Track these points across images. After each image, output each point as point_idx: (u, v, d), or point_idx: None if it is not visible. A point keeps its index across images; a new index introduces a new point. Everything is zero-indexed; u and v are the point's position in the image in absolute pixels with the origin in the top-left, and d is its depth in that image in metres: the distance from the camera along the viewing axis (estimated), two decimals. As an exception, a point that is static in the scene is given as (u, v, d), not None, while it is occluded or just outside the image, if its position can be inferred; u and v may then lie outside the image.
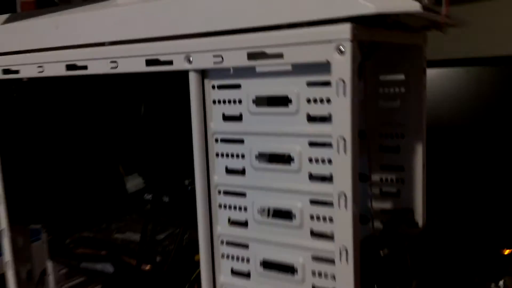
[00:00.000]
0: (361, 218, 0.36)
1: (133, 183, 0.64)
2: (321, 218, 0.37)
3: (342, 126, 0.34)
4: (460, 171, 0.92)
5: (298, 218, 0.38)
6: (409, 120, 0.48)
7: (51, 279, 0.66)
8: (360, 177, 0.51)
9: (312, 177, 0.37)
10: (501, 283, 0.73)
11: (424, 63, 0.47)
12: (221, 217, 0.43)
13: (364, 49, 0.38)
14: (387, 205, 0.51)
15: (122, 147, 0.62)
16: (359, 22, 0.33)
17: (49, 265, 0.65)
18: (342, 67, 0.33)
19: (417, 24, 0.42)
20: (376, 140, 0.51)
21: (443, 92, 0.94)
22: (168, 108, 0.53)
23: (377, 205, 0.51)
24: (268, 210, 0.40)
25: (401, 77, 0.48)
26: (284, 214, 0.39)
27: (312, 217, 0.38)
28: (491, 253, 0.90)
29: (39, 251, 0.66)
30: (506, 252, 0.92)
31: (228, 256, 0.43)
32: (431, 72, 0.48)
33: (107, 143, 0.62)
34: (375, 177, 0.51)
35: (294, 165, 0.38)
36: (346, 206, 0.35)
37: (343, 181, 0.35)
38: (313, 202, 0.37)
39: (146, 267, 0.55)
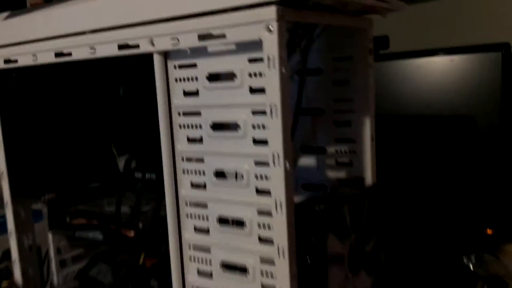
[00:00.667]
0: (318, 186, 0.41)
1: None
2: (263, 177, 0.43)
3: (273, 95, 0.40)
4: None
5: (245, 178, 0.44)
6: (358, 96, 0.54)
7: (51, 249, 0.73)
8: (319, 150, 0.57)
9: (255, 141, 0.43)
10: (473, 257, 0.78)
11: (370, 44, 0.52)
12: (185, 181, 0.49)
13: (299, 29, 0.44)
14: (342, 174, 0.56)
15: (115, 130, 0.69)
16: (287, 5, 0.39)
17: (49, 236, 0.72)
18: (271, 44, 0.39)
19: (352, 8, 0.47)
20: (331, 116, 0.56)
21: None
22: (147, 90, 0.59)
23: (333, 174, 0.57)
24: (222, 173, 0.46)
25: (350, 57, 0.53)
26: (234, 176, 0.45)
27: (256, 177, 0.44)
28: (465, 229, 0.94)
29: (41, 231, 0.74)
30: (489, 231, 0.96)
31: (191, 216, 0.49)
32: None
33: (101, 127, 0.68)
34: (331, 150, 0.57)
35: (240, 132, 0.44)
36: (279, 164, 0.41)
37: (276, 142, 0.40)
38: (257, 163, 0.43)
39: (131, 233, 0.61)
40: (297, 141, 0.59)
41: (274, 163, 0.41)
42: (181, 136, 0.48)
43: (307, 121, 0.58)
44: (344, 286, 0.47)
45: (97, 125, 0.68)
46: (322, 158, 0.57)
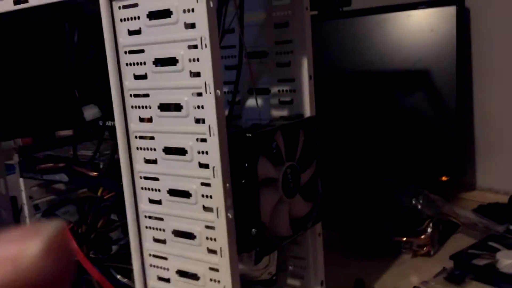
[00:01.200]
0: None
1: (90, 112, 0.75)
2: (200, 107, 0.47)
3: (202, 28, 0.44)
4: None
5: (185, 108, 0.49)
6: (296, 38, 0.58)
7: (23, 195, 0.77)
8: (263, 91, 0.61)
9: (192, 74, 0.47)
10: (421, 197, 0.83)
11: (307, -12, 0.56)
12: (133, 116, 0.53)
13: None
14: (284, 112, 0.61)
15: (78, 79, 0.73)
16: None
17: (21, 182, 0.76)
18: (199, -20, 0.43)
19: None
20: (273, 57, 0.60)
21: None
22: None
23: (277, 113, 0.61)
24: (167, 106, 0.50)
25: (287, 1, 0.57)
26: (175, 107, 0.50)
27: (194, 107, 0.48)
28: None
29: (14, 182, 0.78)
30: (444, 178, 1.01)
31: (140, 148, 0.53)
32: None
33: (65, 77, 0.72)
34: (274, 90, 0.61)
35: (179, 66, 0.48)
36: (210, 92, 0.45)
37: (207, 73, 0.45)
38: (193, 94, 0.48)
39: (93, 173, 0.66)
40: (244, 85, 0.64)
41: (206, 91, 0.45)
42: (128, 73, 0.52)
43: (253, 65, 0.62)
44: (278, 207, 0.52)
45: (60, 75, 0.72)
46: (267, 99, 0.62)
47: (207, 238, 0.49)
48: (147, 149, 0.53)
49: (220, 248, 0.48)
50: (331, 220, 0.84)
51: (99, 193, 0.60)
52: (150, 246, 0.54)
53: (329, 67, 1.09)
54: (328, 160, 0.98)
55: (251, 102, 0.64)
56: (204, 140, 0.47)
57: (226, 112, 0.65)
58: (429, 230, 0.82)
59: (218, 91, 0.45)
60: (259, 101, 0.62)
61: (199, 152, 0.48)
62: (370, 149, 1.07)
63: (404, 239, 0.83)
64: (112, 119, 0.72)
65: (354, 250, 0.86)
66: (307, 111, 0.59)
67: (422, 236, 0.82)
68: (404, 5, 1.01)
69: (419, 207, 0.84)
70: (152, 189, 0.53)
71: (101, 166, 0.65)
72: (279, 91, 0.61)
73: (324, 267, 0.63)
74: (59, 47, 0.70)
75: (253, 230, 0.48)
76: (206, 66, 0.45)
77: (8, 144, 0.77)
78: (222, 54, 0.65)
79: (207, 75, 0.45)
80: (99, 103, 0.74)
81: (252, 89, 0.63)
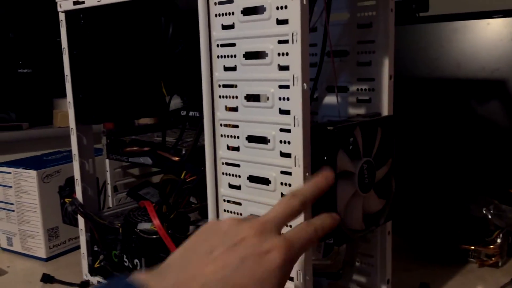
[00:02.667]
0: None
1: (174, 102, 0.80)
2: (285, 98, 0.50)
3: (294, 24, 0.47)
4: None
5: (270, 99, 0.51)
6: (379, 38, 0.59)
7: (108, 174, 0.83)
8: (342, 89, 0.64)
9: (280, 67, 0.50)
10: (491, 207, 0.82)
11: (391, -10, 0.58)
12: (220, 105, 0.57)
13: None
14: (361, 110, 0.62)
15: (165, 71, 0.78)
16: None
17: (107, 163, 0.82)
18: (295, -21, 0.46)
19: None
20: (354, 57, 0.62)
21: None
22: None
23: (354, 111, 0.63)
24: (255, 96, 0.54)
25: (372, 2, 0.59)
26: (259, 98, 0.53)
27: (280, 99, 0.51)
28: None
29: (101, 165, 0.85)
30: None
31: (224, 135, 0.57)
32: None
33: (153, 67, 0.78)
34: (353, 88, 0.63)
35: (268, 59, 0.51)
36: (297, 84, 0.48)
37: (295, 66, 0.47)
38: (280, 86, 0.50)
39: (175, 158, 0.70)
40: (323, 82, 0.66)
41: (293, 84, 0.48)
42: (218, 65, 0.56)
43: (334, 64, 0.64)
44: (353, 201, 0.53)
45: (150, 66, 0.77)
46: (345, 96, 0.64)
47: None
48: (231, 136, 0.56)
49: (296, 234, 0.50)
50: (400, 225, 0.84)
51: (182, 176, 0.64)
52: (227, 228, 0.57)
53: (403, 73, 1.09)
54: (403, 162, 0.98)
55: (328, 99, 0.66)
56: (287, 131, 0.50)
57: (304, 108, 0.68)
58: (499, 240, 0.80)
59: (305, 84, 0.48)
60: (338, 98, 0.64)
61: (281, 142, 0.51)
62: (442, 157, 1.05)
63: (472, 247, 0.82)
64: (193, 109, 0.77)
65: (420, 256, 0.86)
66: (385, 111, 0.60)
67: (491, 246, 0.80)
68: (483, 12, 1.00)
69: (489, 217, 0.83)
70: (233, 175, 0.57)
71: (183, 152, 0.69)
72: (358, 89, 0.62)
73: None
74: (152, 39, 0.75)
75: (328, 220, 0.50)
76: (295, 60, 0.47)
77: (96, 128, 0.84)
78: (304, 52, 0.67)
79: (296, 68, 0.48)
80: (182, 95, 0.78)
81: (330, 87, 0.65)
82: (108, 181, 0.84)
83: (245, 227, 0.39)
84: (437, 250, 0.84)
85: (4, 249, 0.94)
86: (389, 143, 0.58)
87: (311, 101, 0.66)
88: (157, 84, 0.79)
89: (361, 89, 0.62)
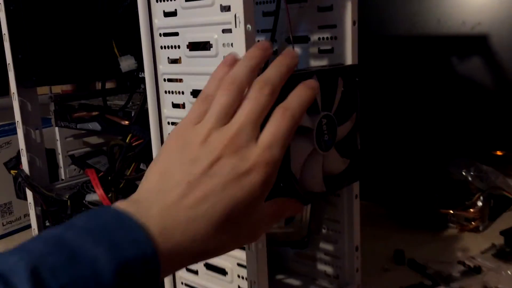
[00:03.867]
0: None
1: (126, 63, 0.73)
2: (229, 45, 0.44)
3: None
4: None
5: (214, 47, 0.45)
6: (340, -21, 0.53)
7: (58, 145, 0.77)
8: (302, 39, 0.57)
9: (222, 7, 0.44)
10: (472, 169, 0.77)
11: None
12: (162, 56, 0.50)
13: None
14: (323, 62, 0.56)
15: (117, 31, 0.71)
16: None
17: (56, 132, 0.76)
18: None
19: None
20: (314, 1, 0.56)
21: None
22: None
23: (316, 63, 0.57)
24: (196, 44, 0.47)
25: None
26: (203, 46, 0.46)
27: (223, 45, 0.44)
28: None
29: (51, 135, 0.78)
30: (499, 153, 0.94)
31: (168, 92, 0.51)
32: None
33: (102, 25, 0.70)
34: (314, 37, 0.57)
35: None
36: (240, 26, 0.41)
37: (237, 5, 0.41)
38: (224, 30, 0.44)
39: (125, 122, 0.64)
40: (282, 33, 0.60)
41: (236, 26, 0.42)
42: (158, 11, 0.49)
43: (292, 11, 0.58)
44: (311, 160, 0.48)
45: (97, 22, 0.70)
46: (305, 47, 0.57)
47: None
48: (175, 92, 0.50)
49: (246, 198, 0.45)
50: (371, 189, 0.79)
51: (127, 140, 0.58)
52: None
53: (381, 31, 1.02)
54: (377, 120, 0.92)
55: (289, 52, 0.60)
56: (232, 82, 0.44)
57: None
58: (479, 203, 0.76)
59: (248, 25, 0.41)
60: (297, 50, 0.58)
61: (227, 95, 0.45)
62: (420, 116, 1.00)
63: (451, 212, 0.77)
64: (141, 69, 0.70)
65: (396, 222, 0.81)
66: (349, 61, 0.54)
67: (471, 210, 0.76)
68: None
69: (470, 179, 0.78)
70: (179, 136, 0.51)
71: (133, 114, 0.63)
72: (319, 38, 0.56)
73: (361, 237, 0.59)
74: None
75: (281, 183, 0.44)
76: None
77: (45, 97, 0.77)
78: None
79: (237, 7, 0.41)
80: (136, 54, 0.72)
81: (290, 38, 0.59)
82: (59, 151, 0.78)
83: (219, 141, 0.35)
84: (414, 215, 0.79)
85: (-45, 228, 0.88)
86: (352, 96, 0.52)
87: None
88: (108, 43, 0.72)
89: (323, 38, 0.56)
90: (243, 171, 0.35)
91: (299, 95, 0.39)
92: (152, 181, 0.36)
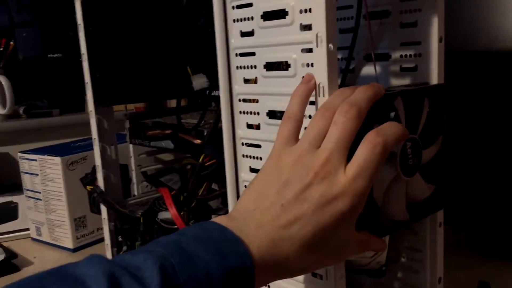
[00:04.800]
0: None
1: (198, 81, 0.73)
2: (309, 65, 0.42)
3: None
4: None
5: (292, 67, 0.44)
6: (426, -7, 0.50)
7: (132, 161, 0.78)
8: (382, 57, 0.55)
9: (302, 26, 0.42)
10: None
11: None
12: (238, 76, 0.49)
13: None
14: (406, 81, 0.53)
15: (190, 50, 0.71)
16: None
17: (130, 149, 0.77)
18: None
19: None
20: (397, 17, 0.53)
21: None
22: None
23: (397, 82, 0.54)
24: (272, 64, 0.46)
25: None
26: (284, 66, 0.45)
27: (303, 65, 0.43)
28: None
29: (124, 151, 0.79)
30: None
31: (243, 112, 0.49)
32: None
33: (176, 44, 0.71)
34: (396, 55, 0.54)
35: (288, 19, 0.43)
36: (321, 45, 0.39)
37: (319, 24, 0.39)
38: (303, 50, 0.42)
39: (197, 141, 0.64)
40: (361, 51, 0.57)
41: (317, 46, 0.40)
42: (234, 29, 0.49)
43: (372, 27, 0.55)
44: (394, 186, 0.45)
45: (171, 41, 0.71)
46: (386, 65, 0.55)
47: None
48: (250, 113, 0.49)
49: (324, 225, 0.42)
50: (454, 214, 0.74)
51: (200, 160, 0.57)
52: (248, 219, 0.50)
53: (465, 44, 0.97)
54: (463, 143, 0.87)
55: (367, 70, 0.57)
56: (312, 103, 0.42)
57: (339, 81, 0.59)
58: None
59: (331, 45, 0.39)
60: (377, 68, 0.55)
61: (307, 117, 0.43)
62: (508, 137, 0.93)
63: (542, 242, 0.70)
64: (215, 88, 0.70)
65: (482, 251, 0.75)
66: (434, 80, 0.51)
67: None
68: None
69: None
70: (254, 157, 0.49)
71: (205, 133, 0.62)
72: (401, 56, 0.53)
73: (444, 266, 0.55)
74: (171, 12, 0.69)
75: (363, 210, 0.42)
76: (318, 16, 0.39)
77: (120, 114, 0.78)
78: (338, 16, 0.59)
79: (319, 26, 0.39)
80: (208, 72, 0.72)
81: (369, 55, 0.56)
82: (132, 167, 0.79)
83: (309, 167, 0.37)
84: (502, 244, 0.73)
85: (34, 239, 0.91)
86: (439, 117, 0.48)
87: (347, 73, 0.58)
88: (181, 62, 0.72)
89: (406, 55, 0.53)
90: (331, 198, 0.36)
91: (394, 125, 0.40)
92: (249, 200, 0.39)
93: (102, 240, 0.88)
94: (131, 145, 0.77)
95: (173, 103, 0.94)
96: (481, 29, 0.95)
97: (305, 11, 0.41)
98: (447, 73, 0.53)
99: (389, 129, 0.39)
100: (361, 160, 0.37)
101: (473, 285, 0.65)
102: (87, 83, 0.70)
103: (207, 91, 0.72)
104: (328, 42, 0.39)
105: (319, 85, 0.40)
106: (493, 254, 0.73)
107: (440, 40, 0.50)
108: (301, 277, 0.45)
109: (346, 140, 0.37)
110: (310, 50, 0.41)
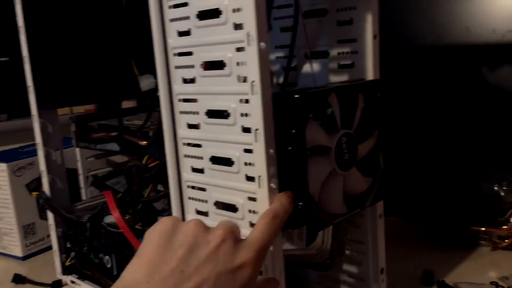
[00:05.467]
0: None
1: (146, 82, 0.72)
2: (242, 63, 0.42)
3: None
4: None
5: (228, 67, 0.44)
6: (359, -9, 0.51)
7: (79, 165, 0.77)
8: (321, 54, 0.56)
9: (235, 25, 0.42)
10: (504, 183, 0.73)
11: None
12: (177, 76, 0.49)
13: None
14: (344, 77, 0.54)
15: (135, 50, 0.70)
16: None
17: (77, 152, 0.76)
18: None
19: None
20: (334, 15, 0.54)
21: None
22: None
23: (336, 78, 0.55)
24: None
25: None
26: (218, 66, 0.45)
27: (237, 64, 0.43)
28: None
29: (70, 156, 0.78)
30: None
31: (183, 112, 0.50)
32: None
33: (120, 45, 0.70)
34: (334, 52, 0.55)
35: (222, 18, 0.43)
36: (253, 44, 0.40)
37: (249, 23, 0.40)
38: (237, 49, 0.43)
39: (143, 142, 0.63)
40: (301, 49, 0.58)
41: (248, 44, 0.40)
42: (171, 29, 0.49)
43: (311, 25, 0.56)
44: (331, 181, 0.46)
45: (115, 43, 0.70)
46: (325, 63, 0.56)
47: (249, 211, 0.44)
48: (190, 113, 0.49)
49: (263, 221, 0.43)
50: (398, 205, 0.76)
51: (144, 161, 0.57)
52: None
53: (408, 41, 1.00)
54: (405, 135, 0.89)
55: (308, 67, 0.58)
56: (247, 101, 0.43)
57: (281, 79, 0.60)
58: (513, 220, 0.72)
59: (262, 43, 0.40)
60: (316, 66, 0.56)
61: (242, 115, 0.44)
62: (450, 129, 0.96)
63: (483, 229, 0.73)
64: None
65: (424, 239, 0.78)
66: (370, 76, 0.52)
67: (504, 227, 0.72)
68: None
69: (502, 194, 0.74)
70: (195, 157, 0.50)
71: (151, 134, 0.62)
72: (338, 53, 0.54)
73: (389, 256, 0.57)
74: (114, 12, 0.68)
75: (299, 203, 0.43)
76: (248, 15, 0.40)
77: (66, 117, 0.77)
78: (277, 15, 0.59)
79: (250, 25, 0.40)
80: (155, 73, 0.71)
81: (308, 53, 0.57)
82: (80, 171, 0.77)
83: (215, 234, 0.37)
84: (444, 232, 0.75)
85: (-18, 249, 0.88)
86: (374, 112, 0.50)
87: (289, 71, 0.58)
88: (127, 63, 0.72)
89: (343, 53, 0.54)
90: (236, 265, 0.36)
91: (283, 203, 0.41)
92: (141, 270, 0.35)
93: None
94: (77, 149, 0.76)
95: (127, 105, 0.93)
96: (428, 25, 0.98)
97: (237, 10, 0.42)
98: (390, 69, 0.55)
99: (280, 206, 0.41)
100: (260, 233, 0.39)
101: (418, 274, 0.67)
102: (30, 86, 0.69)
103: (155, 92, 0.71)
104: (259, 41, 0.40)
105: (252, 83, 0.41)
106: (437, 243, 0.76)
107: (374, 37, 0.51)
108: (243, 274, 0.46)
109: (265, 242, 0.39)
110: (243, 49, 0.42)
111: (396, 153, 0.57)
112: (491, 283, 0.63)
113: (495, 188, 0.75)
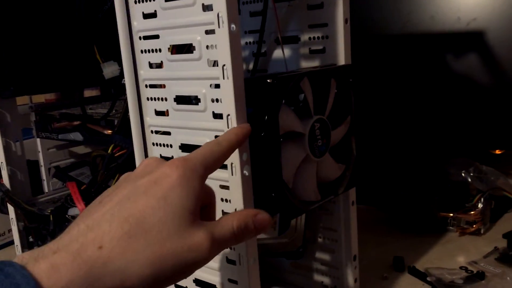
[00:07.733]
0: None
1: (109, 69, 0.70)
2: (213, 46, 0.41)
3: None
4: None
5: (197, 50, 0.42)
6: (330, -26, 0.50)
7: (40, 156, 0.74)
8: (292, 40, 0.54)
9: (204, 7, 0.41)
10: (471, 169, 0.74)
11: None
12: (143, 61, 0.47)
13: None
14: (315, 63, 0.53)
15: (98, 36, 0.67)
16: None
17: (38, 143, 0.73)
18: None
19: None
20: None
21: None
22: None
23: (307, 64, 0.54)
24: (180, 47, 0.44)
25: None
26: (187, 50, 0.43)
27: (207, 47, 0.41)
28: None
29: (31, 147, 0.75)
30: (498, 151, 0.91)
31: (151, 98, 0.48)
32: None
33: (81, 31, 0.67)
34: (305, 37, 0.54)
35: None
36: (223, 26, 0.38)
37: (219, 4, 0.38)
38: (207, 31, 0.41)
39: (107, 131, 0.61)
40: (271, 34, 0.57)
41: (219, 26, 0.39)
42: (137, 12, 0.46)
43: (281, 10, 0.55)
44: (304, 167, 0.45)
45: (76, 28, 0.67)
46: (296, 48, 0.55)
47: (221, 199, 0.43)
48: (158, 99, 0.47)
49: (235, 210, 0.42)
50: (368, 193, 0.76)
51: (109, 151, 0.55)
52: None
53: (374, 30, 1.00)
54: (368, 121, 0.89)
55: (278, 53, 0.57)
56: (218, 86, 0.41)
57: (251, 65, 0.59)
58: (480, 205, 0.73)
59: (233, 25, 0.38)
60: (287, 51, 0.55)
61: (213, 101, 0.42)
62: (416, 116, 0.97)
63: (451, 215, 0.74)
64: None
65: (394, 226, 0.78)
66: (342, 61, 0.51)
67: (472, 212, 0.73)
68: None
69: (469, 180, 0.75)
70: (164, 145, 0.48)
71: (116, 122, 0.60)
72: (309, 38, 0.53)
73: (359, 244, 0.56)
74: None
75: (272, 194, 0.41)
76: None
77: (25, 107, 0.73)
78: (247, -2, 0.58)
79: (220, 5, 0.38)
80: (120, 60, 0.69)
81: (278, 39, 0.56)
82: (41, 162, 0.74)
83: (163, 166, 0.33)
84: (412, 219, 0.76)
85: None
86: (346, 97, 0.49)
87: (259, 56, 0.57)
88: (89, 49, 0.69)
89: (314, 38, 0.53)
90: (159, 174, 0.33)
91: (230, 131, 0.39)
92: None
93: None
94: (38, 139, 0.73)
95: (90, 94, 0.89)
96: (393, 13, 0.98)
97: (206, -10, 0.40)
98: (360, 55, 0.54)
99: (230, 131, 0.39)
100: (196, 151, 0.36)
101: (389, 261, 0.67)
102: (-16, 74, 0.65)
103: (119, 79, 0.69)
104: (230, 22, 0.38)
105: (223, 67, 0.39)
106: (406, 230, 0.76)
107: (345, 21, 0.51)
108: (216, 264, 0.45)
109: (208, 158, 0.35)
110: (213, 32, 0.40)
111: (363, 140, 0.57)
112: (461, 267, 0.64)
113: (463, 174, 0.76)
